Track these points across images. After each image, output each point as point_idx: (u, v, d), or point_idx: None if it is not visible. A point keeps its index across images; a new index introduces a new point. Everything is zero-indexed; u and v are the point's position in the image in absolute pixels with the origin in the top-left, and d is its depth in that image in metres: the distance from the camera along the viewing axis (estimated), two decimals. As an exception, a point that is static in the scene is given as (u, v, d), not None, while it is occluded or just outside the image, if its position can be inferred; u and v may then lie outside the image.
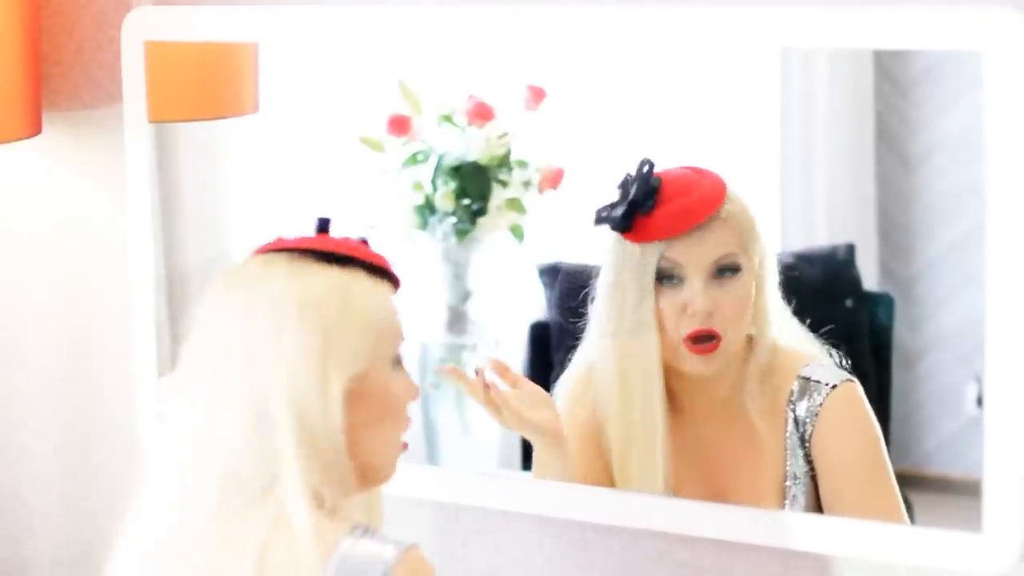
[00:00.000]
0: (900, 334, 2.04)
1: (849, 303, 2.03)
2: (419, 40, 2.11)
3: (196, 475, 1.60)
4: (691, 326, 1.97)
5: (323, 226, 1.68)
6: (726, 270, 1.97)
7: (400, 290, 1.69)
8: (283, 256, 1.64)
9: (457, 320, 2.30)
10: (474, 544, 2.21)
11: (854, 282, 2.05)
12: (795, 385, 1.98)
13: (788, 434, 1.98)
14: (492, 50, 2.18)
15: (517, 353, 2.27)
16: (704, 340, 1.97)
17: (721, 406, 2.02)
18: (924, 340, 2.03)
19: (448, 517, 2.22)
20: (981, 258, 1.82)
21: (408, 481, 2.18)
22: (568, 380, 2.08)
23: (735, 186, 1.99)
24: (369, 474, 1.65)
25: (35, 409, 2.51)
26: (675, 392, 2.02)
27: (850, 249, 2.06)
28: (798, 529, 1.97)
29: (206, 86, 2.33)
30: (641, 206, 1.98)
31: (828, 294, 2.02)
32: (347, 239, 1.68)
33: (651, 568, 2.10)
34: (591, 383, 2.05)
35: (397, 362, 1.66)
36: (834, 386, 1.97)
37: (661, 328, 1.99)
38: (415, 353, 2.31)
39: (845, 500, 1.96)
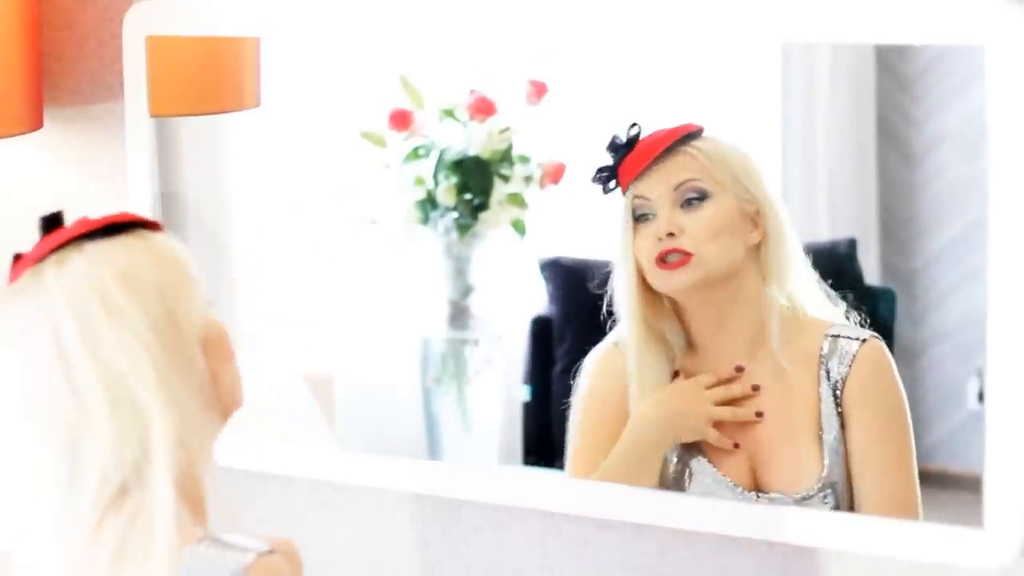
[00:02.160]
0: (902, 329, 2.03)
1: (851, 298, 2.03)
2: (420, 34, 2.11)
3: (72, 482, 1.56)
4: (658, 248, 2.03)
5: (55, 221, 1.64)
6: (692, 198, 2.02)
7: (163, 232, 1.66)
8: (67, 249, 1.60)
9: (459, 315, 2.30)
10: (475, 539, 2.21)
11: (856, 277, 2.05)
12: (824, 343, 2.01)
13: (822, 386, 2.00)
14: (494, 44, 2.18)
15: (518, 348, 2.27)
16: (672, 256, 2.02)
17: (749, 359, 2.04)
18: (926, 335, 2.03)
19: (449, 512, 2.22)
20: (983, 253, 1.82)
21: (409, 476, 2.19)
22: (599, 347, 2.11)
23: (730, 137, 2.03)
24: (226, 411, 1.65)
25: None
26: (703, 349, 2.06)
27: (852, 244, 2.06)
28: (798, 524, 1.97)
29: (207, 81, 2.33)
30: (617, 152, 2.05)
31: (830, 288, 2.02)
32: (88, 218, 1.64)
33: (652, 564, 2.10)
34: (619, 344, 2.09)
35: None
36: (864, 340, 1.99)
37: (643, 262, 2.04)
38: (416, 348, 2.31)
39: (869, 451, 1.99)
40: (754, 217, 2.01)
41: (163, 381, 1.56)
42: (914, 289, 2.04)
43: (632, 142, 2.05)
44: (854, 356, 2.00)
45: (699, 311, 2.04)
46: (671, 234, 2.01)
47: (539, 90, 2.20)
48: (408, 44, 2.19)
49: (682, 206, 2.02)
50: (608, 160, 2.06)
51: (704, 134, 2.03)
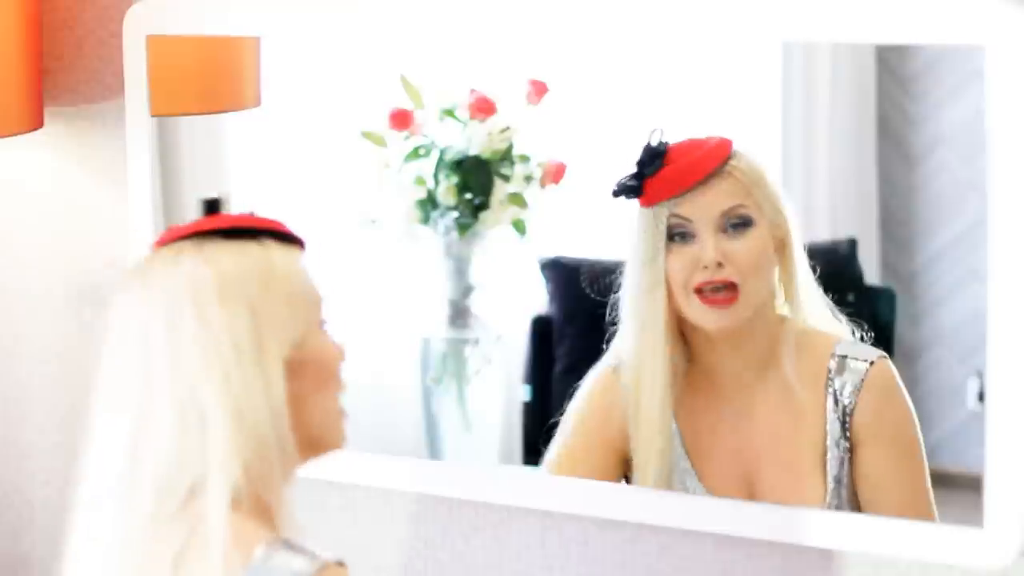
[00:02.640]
0: (902, 329, 2.03)
1: (851, 298, 2.03)
2: (421, 34, 2.11)
3: (131, 485, 1.56)
4: (702, 278, 1.99)
5: (213, 206, 1.64)
6: (737, 224, 1.99)
7: (306, 251, 1.65)
8: (188, 242, 1.60)
9: (459, 315, 2.30)
10: (476, 539, 2.21)
11: (856, 277, 2.05)
12: (832, 363, 1.99)
13: (828, 410, 1.98)
14: (494, 44, 2.18)
15: (519, 348, 2.27)
16: (718, 290, 1.98)
17: (757, 378, 2.02)
18: (926, 335, 2.03)
19: (450, 512, 2.22)
20: (983, 253, 1.82)
21: (410, 476, 2.19)
22: (597, 367, 2.10)
23: (744, 147, 2.02)
24: (315, 444, 1.62)
25: (35, 404, 2.51)
26: (709, 367, 2.04)
27: (852, 244, 2.06)
28: (799, 524, 1.97)
29: (208, 80, 2.33)
30: (648, 166, 2.01)
31: (830, 289, 2.02)
32: (244, 214, 1.63)
33: (652, 563, 2.10)
34: (618, 369, 2.06)
35: (322, 325, 1.64)
36: (872, 362, 1.98)
37: (675, 285, 2.01)
38: (417, 348, 2.31)
39: (884, 477, 1.98)
40: (778, 240, 2.00)
41: (233, 399, 1.54)
42: (914, 289, 2.04)
43: (663, 152, 2.01)
44: (862, 381, 1.98)
45: (722, 337, 2.03)
46: (719, 264, 1.98)
47: (539, 89, 2.20)
48: (408, 44, 2.19)
49: (725, 231, 1.99)
50: (634, 169, 2.03)
51: (734, 147, 2.01)
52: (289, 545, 1.53)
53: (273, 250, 1.60)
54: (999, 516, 1.83)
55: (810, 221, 2.07)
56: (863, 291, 2.04)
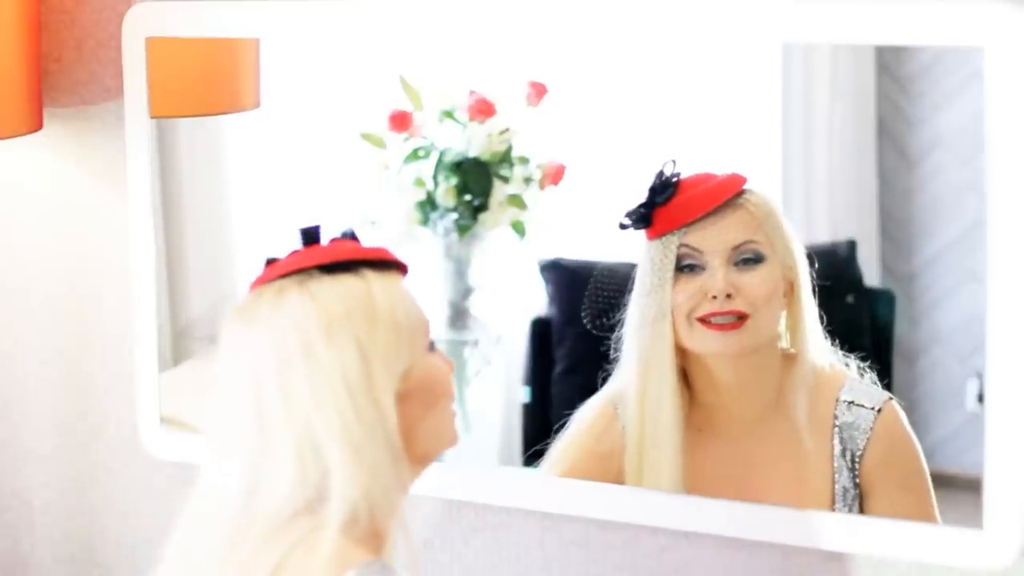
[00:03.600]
0: (901, 330, 2.03)
1: (850, 299, 2.03)
2: (420, 35, 2.11)
3: (244, 524, 1.57)
4: (710, 308, 1.98)
5: (312, 236, 1.65)
6: (748, 259, 1.98)
7: (408, 274, 1.67)
8: (291, 280, 1.61)
9: (458, 316, 2.30)
10: (475, 540, 2.21)
11: (855, 278, 2.05)
12: (837, 409, 1.98)
13: (835, 456, 1.97)
14: (493, 46, 2.18)
15: (518, 350, 2.27)
16: (725, 318, 1.98)
17: (760, 422, 2.01)
18: (925, 336, 2.03)
19: (449, 513, 2.22)
20: (982, 254, 1.82)
21: (409, 477, 2.19)
22: (595, 402, 2.08)
23: (756, 185, 2.01)
24: (429, 455, 1.64)
25: (35, 405, 2.51)
26: (711, 408, 2.02)
27: (851, 245, 2.06)
28: (798, 525, 1.97)
29: (207, 82, 2.33)
30: (660, 194, 1.99)
31: (829, 290, 2.02)
32: (340, 241, 1.65)
33: (652, 564, 2.10)
34: (618, 407, 2.05)
35: (431, 347, 1.65)
36: (879, 410, 1.97)
37: (678, 315, 1.99)
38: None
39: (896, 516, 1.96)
40: (787, 280, 1.99)
41: (348, 434, 1.55)
42: (914, 290, 2.04)
43: (671, 184, 2.00)
44: (871, 428, 1.97)
45: (724, 374, 2.01)
46: (729, 296, 1.97)
47: (539, 91, 2.20)
48: (407, 45, 2.19)
49: (736, 264, 1.98)
50: (643, 199, 2.02)
51: (747, 185, 2.00)
52: (387, 570, 1.53)
53: (373, 283, 1.61)
54: (999, 517, 1.83)
55: (809, 223, 2.07)
56: (862, 293, 2.04)
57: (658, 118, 2.11)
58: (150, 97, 2.25)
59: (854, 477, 1.97)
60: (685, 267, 1.99)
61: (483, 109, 2.22)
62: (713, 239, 1.98)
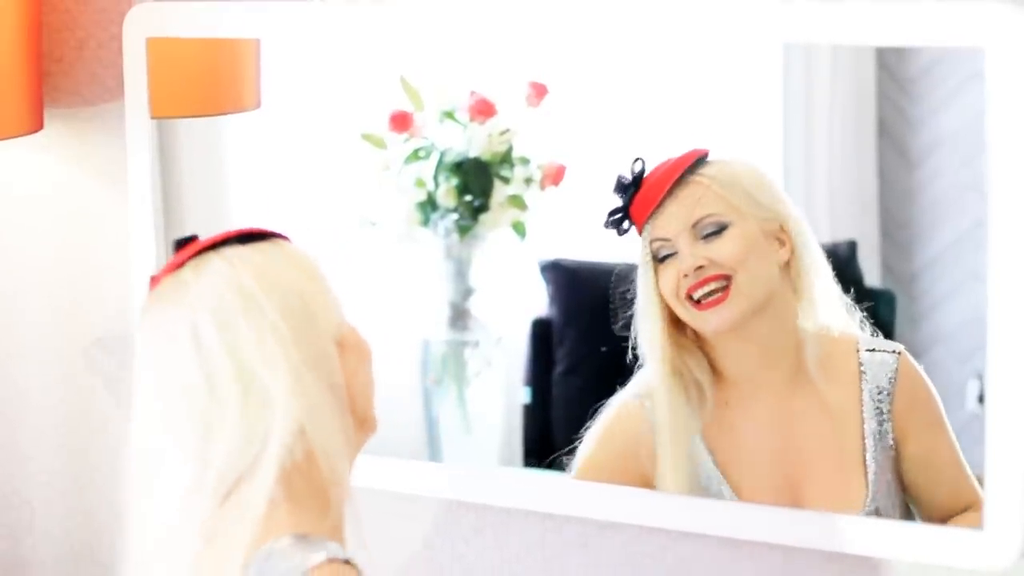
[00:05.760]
0: (902, 331, 2.03)
1: (851, 300, 2.03)
2: (421, 36, 2.11)
3: (202, 470, 1.57)
4: (687, 284, 1.99)
5: (188, 241, 1.64)
6: (710, 232, 1.99)
7: (290, 241, 1.66)
8: (204, 255, 1.60)
9: (459, 317, 2.30)
10: (476, 541, 2.21)
11: (856, 279, 2.05)
12: (863, 357, 1.99)
13: (865, 405, 1.98)
14: (494, 46, 2.18)
15: (519, 350, 2.27)
16: (711, 293, 1.98)
17: (785, 384, 2.02)
18: (926, 337, 2.03)
19: (449, 514, 2.22)
20: (983, 255, 1.82)
21: (410, 478, 2.19)
22: (623, 395, 2.08)
23: (734, 154, 2.01)
24: (367, 422, 1.64)
25: (35, 406, 2.51)
26: (735, 380, 2.03)
27: (852, 246, 2.06)
28: (798, 526, 1.97)
29: (208, 82, 2.33)
30: (624, 194, 2.02)
31: (830, 292, 2.02)
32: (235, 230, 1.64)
33: (653, 564, 2.10)
34: (645, 399, 2.06)
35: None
36: (899, 352, 1.98)
37: (669, 300, 2.01)
38: (417, 350, 2.31)
39: (934, 457, 1.98)
40: (778, 234, 1.99)
41: (293, 371, 1.55)
42: (914, 291, 2.04)
43: (638, 179, 2.02)
44: (896, 370, 1.98)
45: (737, 347, 2.02)
46: (700, 267, 1.99)
47: (539, 92, 2.20)
48: (408, 45, 2.19)
49: (703, 239, 1.99)
50: (618, 202, 2.03)
51: (710, 158, 2.01)
52: (301, 540, 1.52)
53: (283, 245, 1.62)
54: (999, 518, 1.83)
55: (810, 223, 2.07)
56: (863, 293, 2.04)
57: (659, 119, 2.11)
58: (151, 97, 2.25)
59: (881, 422, 1.97)
60: (664, 258, 2.01)
61: (483, 110, 2.22)
62: (673, 222, 2.00)
